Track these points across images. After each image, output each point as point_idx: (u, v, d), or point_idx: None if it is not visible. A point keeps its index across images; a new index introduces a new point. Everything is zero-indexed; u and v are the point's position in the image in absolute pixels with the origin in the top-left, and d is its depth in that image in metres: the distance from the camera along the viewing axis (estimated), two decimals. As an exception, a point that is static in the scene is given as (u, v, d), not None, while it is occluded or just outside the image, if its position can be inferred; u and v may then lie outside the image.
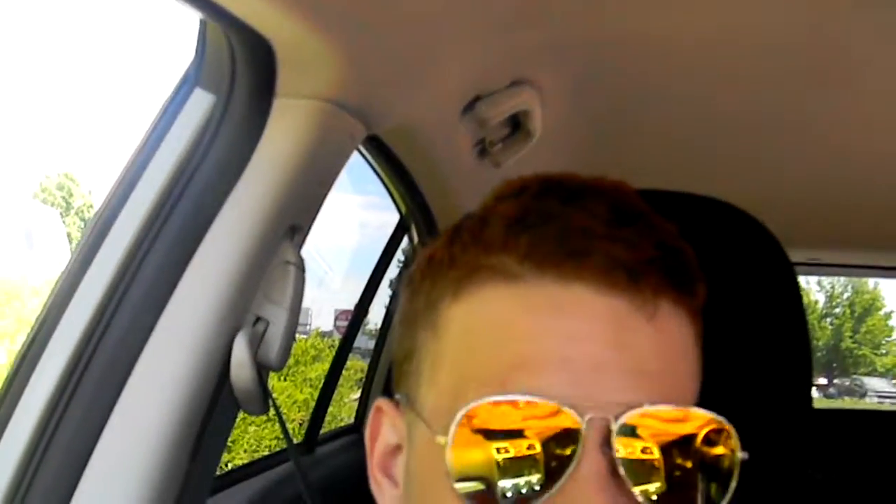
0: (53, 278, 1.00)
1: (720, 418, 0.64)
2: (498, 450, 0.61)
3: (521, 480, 0.60)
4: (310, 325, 9.31)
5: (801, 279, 1.12)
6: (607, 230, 0.63)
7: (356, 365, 4.91)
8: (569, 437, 0.59)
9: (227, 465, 2.88)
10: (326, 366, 2.76)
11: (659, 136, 2.06)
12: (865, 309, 38.15)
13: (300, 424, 5.45)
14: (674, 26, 1.43)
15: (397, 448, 0.73)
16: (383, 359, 2.57)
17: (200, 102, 1.04)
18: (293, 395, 6.72)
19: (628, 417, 0.60)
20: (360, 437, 2.57)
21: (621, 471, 0.59)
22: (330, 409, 2.46)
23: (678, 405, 0.62)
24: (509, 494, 0.60)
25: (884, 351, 39.39)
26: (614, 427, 0.59)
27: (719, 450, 0.64)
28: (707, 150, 2.13)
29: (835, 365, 37.79)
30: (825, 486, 1.71)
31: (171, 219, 0.97)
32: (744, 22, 1.40)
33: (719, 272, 1.05)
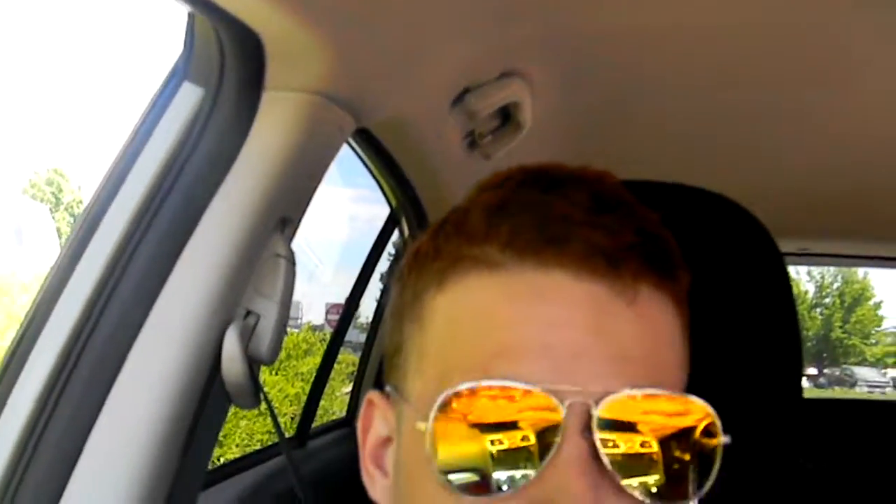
0: (43, 274, 1.00)
1: (703, 403, 0.64)
2: (479, 436, 0.61)
3: (502, 466, 0.61)
4: (301, 319, 9.31)
5: (791, 269, 1.13)
6: (587, 217, 0.64)
7: (347, 358, 4.91)
8: (549, 422, 0.60)
9: (218, 460, 2.88)
10: (318, 360, 2.76)
11: (649, 128, 2.06)
12: (855, 299, 38.27)
13: (292, 418, 5.45)
14: (663, 19, 1.43)
15: (388, 440, 0.74)
16: (374, 352, 2.57)
17: (189, 96, 1.04)
18: (285, 389, 6.72)
19: (609, 402, 0.60)
20: (352, 430, 2.60)
21: (602, 456, 0.60)
22: (321, 402, 2.46)
23: (660, 389, 0.62)
24: (490, 480, 0.61)
25: (874, 341, 39.53)
26: (595, 412, 0.60)
27: (705, 434, 0.64)
28: (697, 142, 2.14)
29: (825, 355, 37.92)
30: (816, 476, 1.71)
31: (161, 213, 0.97)
32: (734, 14, 1.40)
33: (709, 262, 1.05)
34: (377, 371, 2.55)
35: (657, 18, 1.42)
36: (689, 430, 0.64)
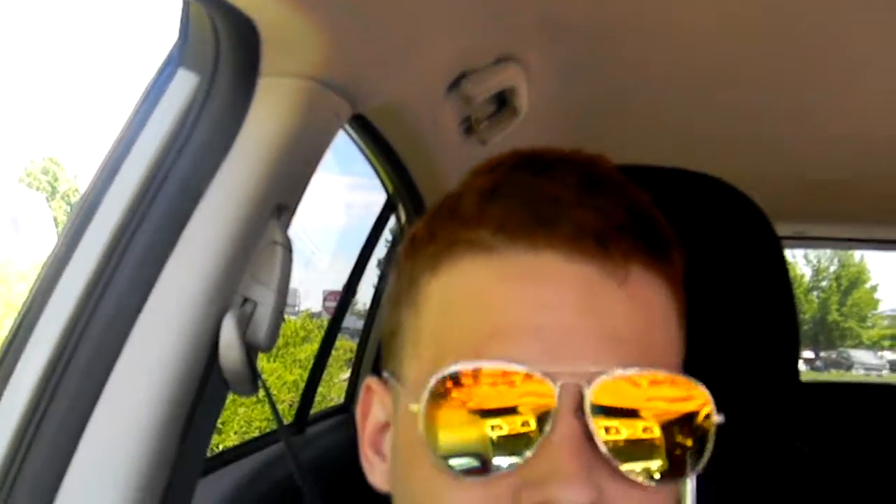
0: (40, 262, 1.00)
1: (696, 382, 0.64)
2: (471, 417, 0.62)
3: (497, 447, 0.61)
4: (298, 306, 9.33)
5: (788, 253, 1.13)
6: (577, 198, 0.65)
7: (345, 345, 4.92)
8: (542, 403, 0.60)
9: (217, 447, 2.89)
10: (315, 346, 2.76)
11: (646, 113, 2.06)
12: (852, 282, 38.34)
13: (290, 405, 5.46)
14: (660, 8, 1.42)
15: (386, 425, 0.75)
16: (372, 338, 2.58)
17: (184, 83, 1.04)
18: (283, 376, 6.74)
19: (600, 382, 0.60)
20: (350, 416, 2.60)
21: (595, 436, 0.60)
22: (319, 389, 2.47)
23: (651, 369, 0.63)
24: (484, 460, 0.61)
25: (870, 324, 39.64)
26: (586, 393, 0.60)
27: (697, 414, 0.64)
28: (693, 129, 2.14)
29: (821, 338, 38.01)
30: (812, 459, 1.72)
31: (157, 201, 0.96)
32: (731, 5, 1.40)
33: (706, 246, 1.05)
34: (375, 357, 2.56)
35: (654, 7, 1.42)
36: (684, 411, 0.64)
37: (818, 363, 35.41)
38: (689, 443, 0.64)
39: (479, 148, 1.81)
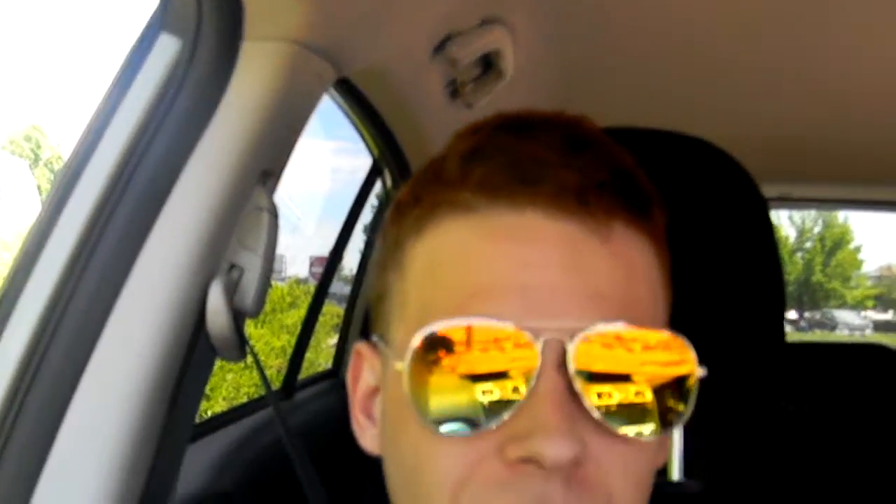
0: (23, 231, 0.99)
1: (679, 336, 0.65)
2: (456, 375, 0.62)
3: (481, 403, 0.62)
4: (285, 272, 9.33)
5: (772, 214, 1.13)
6: (559, 158, 0.65)
7: (332, 310, 4.93)
8: (525, 359, 0.61)
9: (206, 413, 2.90)
10: (303, 312, 2.76)
11: (632, 75, 2.06)
12: (836, 243, 38.59)
13: (278, 371, 5.48)
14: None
15: (376, 389, 0.75)
16: (359, 304, 2.58)
17: (167, 48, 1.02)
18: (270, 341, 6.76)
19: (583, 337, 0.61)
20: (339, 382, 2.61)
21: (578, 391, 0.61)
22: (307, 354, 2.47)
23: (634, 324, 0.63)
24: (469, 416, 0.62)
25: (854, 284, 39.97)
26: (569, 347, 0.60)
27: (679, 368, 0.65)
28: (680, 89, 2.14)
29: (805, 299, 38.32)
30: (798, 418, 1.74)
31: (141, 168, 0.96)
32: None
33: (693, 207, 1.05)
34: (362, 322, 2.56)
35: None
36: (669, 367, 0.64)
37: (802, 324, 35.75)
38: (674, 397, 0.65)
39: (464, 111, 1.80)
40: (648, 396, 0.64)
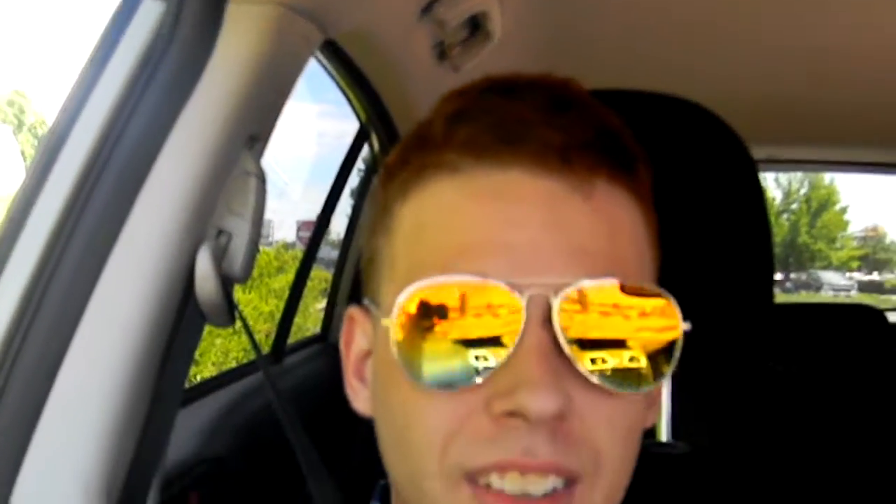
0: (7, 197, 0.98)
1: (664, 292, 0.66)
2: (442, 331, 0.63)
3: (468, 359, 0.62)
4: (272, 236, 9.30)
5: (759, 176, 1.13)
6: (543, 117, 0.65)
7: (320, 275, 4.93)
8: (510, 315, 0.61)
9: (195, 378, 2.90)
10: (290, 277, 2.76)
11: (620, 37, 2.05)
12: (822, 204, 38.71)
13: (266, 336, 5.49)
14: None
15: (369, 353, 0.76)
16: (347, 268, 2.58)
17: (151, 11, 1.01)
18: (258, 306, 6.75)
19: (567, 293, 0.62)
20: (327, 346, 2.62)
21: (564, 346, 0.61)
22: (296, 319, 2.48)
23: (617, 279, 0.64)
24: (456, 372, 0.63)
25: (839, 245, 40.17)
26: (553, 303, 0.61)
27: (664, 322, 0.66)
28: (668, 50, 2.13)
29: (791, 260, 38.50)
30: (785, 378, 1.75)
31: (126, 133, 0.95)
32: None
33: (683, 169, 1.05)
34: (351, 287, 2.57)
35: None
36: (654, 321, 0.65)
37: (788, 285, 35.94)
38: (659, 351, 0.65)
39: (451, 74, 1.79)
40: (635, 351, 0.65)
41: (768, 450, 1.25)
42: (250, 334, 1.01)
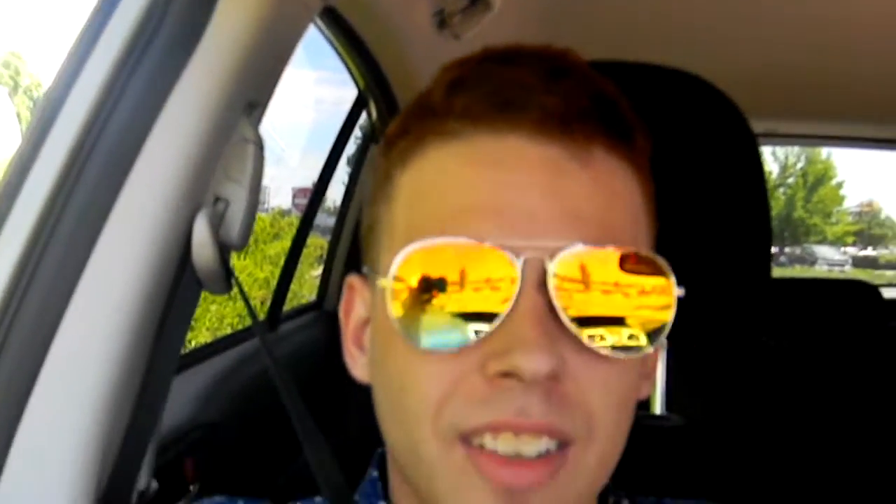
0: (2, 159, 0.97)
1: (658, 258, 0.66)
2: (439, 292, 0.64)
3: (463, 321, 0.63)
4: (268, 203, 9.29)
5: (757, 150, 1.13)
6: (543, 85, 0.66)
7: (315, 242, 4.93)
8: (506, 278, 0.62)
9: (190, 343, 2.91)
10: (286, 244, 2.76)
11: (620, 9, 2.04)
12: (818, 179, 38.73)
13: (261, 302, 5.50)
14: None
15: (368, 320, 0.77)
16: (344, 236, 2.58)
17: (149, -25, 1.00)
18: (254, 273, 6.77)
19: (562, 257, 0.62)
20: (323, 314, 2.62)
21: (559, 310, 0.62)
22: (291, 286, 2.48)
23: (612, 245, 0.65)
24: (452, 333, 0.63)
25: (834, 220, 40.26)
26: (549, 267, 0.62)
27: (658, 288, 0.66)
28: (668, 22, 2.12)
29: (786, 234, 38.58)
30: (778, 352, 1.76)
31: (124, 98, 0.94)
32: None
33: (682, 142, 1.05)
34: (347, 254, 2.57)
35: None
36: (647, 283, 0.66)
37: (782, 259, 36.03)
38: (652, 315, 0.66)
39: (452, 42, 1.78)
40: (628, 315, 0.65)
41: (761, 423, 1.26)
42: (247, 301, 1.01)
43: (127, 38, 0.95)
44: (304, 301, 2.96)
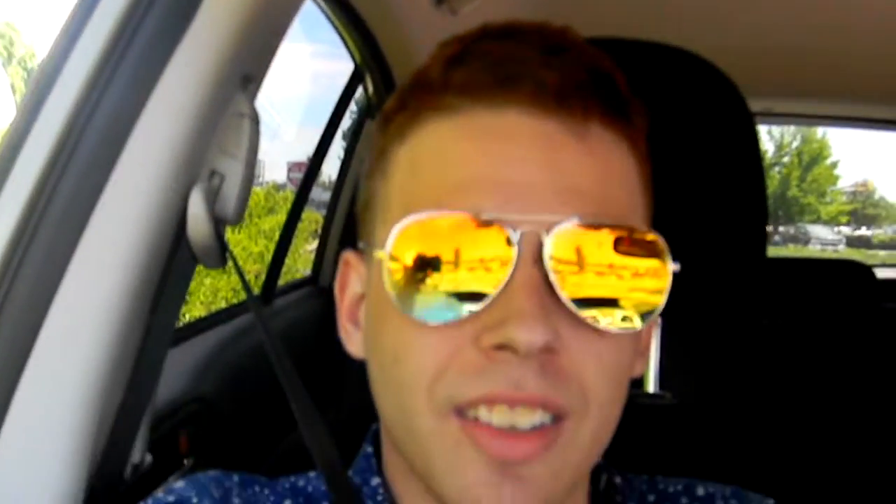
0: (-3, 129, 0.97)
1: (654, 233, 0.67)
2: (435, 266, 0.64)
3: (459, 294, 0.63)
4: (263, 177, 9.27)
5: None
6: (539, 59, 0.66)
7: (310, 216, 4.93)
8: (502, 252, 0.62)
9: (184, 316, 2.91)
10: (280, 217, 2.76)
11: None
12: (813, 158, 38.71)
13: (255, 276, 5.50)
14: None
15: (363, 297, 0.77)
16: (339, 211, 2.58)
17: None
18: (248, 246, 6.77)
19: (559, 231, 0.63)
20: (317, 289, 2.62)
21: (555, 284, 0.63)
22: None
23: (609, 219, 0.65)
24: (448, 306, 0.64)
25: (829, 199, 40.30)
26: (545, 240, 0.62)
27: (653, 262, 0.67)
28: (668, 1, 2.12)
29: (780, 213, 38.62)
30: (772, 331, 1.77)
31: (119, 72, 0.93)
32: None
33: (679, 119, 1.05)
34: (342, 229, 2.56)
35: None
36: (644, 262, 0.66)
37: (776, 238, 36.10)
38: (648, 291, 0.67)
39: (449, 18, 1.77)
40: (623, 290, 0.66)
41: (754, 402, 1.26)
42: (241, 275, 1.01)
43: (122, 12, 0.94)
44: (298, 275, 2.95)
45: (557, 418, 0.64)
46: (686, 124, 1.06)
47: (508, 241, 0.62)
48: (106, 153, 0.91)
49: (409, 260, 0.64)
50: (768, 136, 37.95)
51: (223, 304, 6.01)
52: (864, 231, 40.33)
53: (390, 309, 0.66)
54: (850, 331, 1.94)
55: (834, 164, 39.24)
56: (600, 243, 0.64)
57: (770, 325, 1.53)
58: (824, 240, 35.79)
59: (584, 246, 0.63)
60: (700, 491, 0.83)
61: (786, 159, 39.36)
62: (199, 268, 1.07)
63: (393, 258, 0.64)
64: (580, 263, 0.63)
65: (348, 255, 0.79)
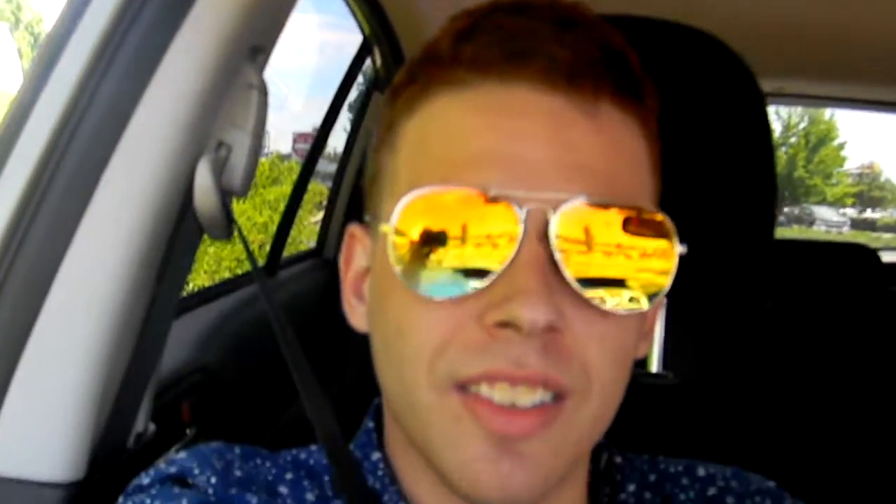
0: (2, 92, 0.96)
1: (662, 214, 0.66)
2: (440, 242, 0.64)
3: (463, 269, 0.63)
4: (268, 148, 9.27)
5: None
6: (550, 34, 0.65)
7: (315, 188, 4.93)
8: (508, 228, 0.62)
9: (188, 285, 2.92)
10: (285, 188, 2.75)
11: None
12: (820, 139, 38.58)
13: (259, 246, 5.51)
14: None
15: (367, 270, 0.76)
16: (345, 184, 2.57)
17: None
18: (252, 216, 6.78)
19: (566, 209, 0.62)
20: (322, 261, 2.62)
21: (560, 263, 0.62)
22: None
23: (616, 199, 0.64)
24: (453, 282, 0.64)
25: (834, 181, 40.19)
26: (552, 219, 0.62)
27: (660, 244, 0.66)
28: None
29: (786, 194, 38.53)
30: (775, 314, 1.77)
31: (126, 42, 0.92)
32: None
33: (689, 99, 1.04)
34: (348, 202, 2.56)
35: None
36: (650, 242, 0.66)
37: (781, 218, 36.02)
38: (653, 272, 0.66)
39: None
40: (629, 270, 0.65)
41: (757, 384, 1.27)
42: (247, 246, 1.01)
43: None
44: (302, 247, 2.95)
45: (558, 397, 0.64)
46: (697, 104, 1.06)
47: (514, 219, 0.62)
48: (113, 124, 0.91)
49: (414, 234, 0.64)
50: (776, 117, 37.83)
51: (227, 274, 6.02)
52: (869, 213, 40.27)
53: (395, 283, 0.65)
54: (854, 314, 1.93)
55: (841, 146, 39.11)
56: (608, 223, 0.64)
57: (773, 307, 1.53)
58: (829, 221, 35.75)
59: (592, 225, 0.63)
60: (701, 471, 0.83)
61: (793, 140, 39.22)
62: (204, 237, 1.07)
63: (398, 232, 0.64)
64: (588, 243, 0.63)
65: (354, 229, 0.79)
